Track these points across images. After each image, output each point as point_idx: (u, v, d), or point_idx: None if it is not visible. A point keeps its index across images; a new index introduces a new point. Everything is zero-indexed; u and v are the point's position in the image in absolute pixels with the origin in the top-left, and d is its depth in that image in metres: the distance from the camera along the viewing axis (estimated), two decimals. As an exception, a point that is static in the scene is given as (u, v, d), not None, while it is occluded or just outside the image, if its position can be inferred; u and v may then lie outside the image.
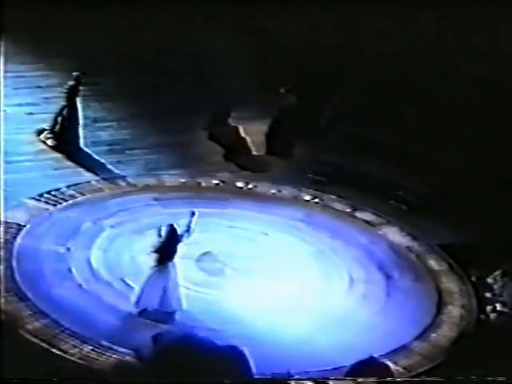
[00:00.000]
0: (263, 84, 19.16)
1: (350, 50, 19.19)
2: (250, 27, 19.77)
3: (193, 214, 12.52)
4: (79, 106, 18.29)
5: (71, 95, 17.94)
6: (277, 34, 19.76)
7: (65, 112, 17.82)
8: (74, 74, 17.96)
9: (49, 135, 17.56)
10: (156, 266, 12.23)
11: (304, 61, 19.45)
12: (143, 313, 12.28)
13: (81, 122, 18.12)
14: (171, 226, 12.32)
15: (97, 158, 17.76)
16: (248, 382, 8.67)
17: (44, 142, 17.49)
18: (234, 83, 19.22)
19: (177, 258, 12.32)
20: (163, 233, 12.27)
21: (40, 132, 17.64)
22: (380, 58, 19.01)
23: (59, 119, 17.77)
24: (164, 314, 12.26)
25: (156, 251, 12.24)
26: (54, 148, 17.40)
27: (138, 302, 12.27)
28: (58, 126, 17.74)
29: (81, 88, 18.16)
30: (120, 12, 18.94)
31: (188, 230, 12.41)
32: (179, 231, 12.31)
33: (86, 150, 17.90)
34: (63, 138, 17.65)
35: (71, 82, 17.97)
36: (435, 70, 18.49)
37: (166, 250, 12.23)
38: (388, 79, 18.82)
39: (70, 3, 18.47)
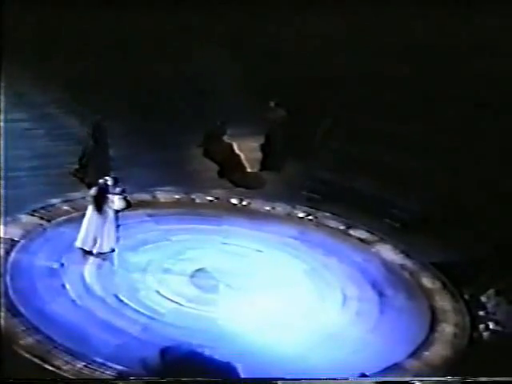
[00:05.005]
0: (258, 100, 19.20)
1: (346, 67, 19.27)
2: (245, 43, 19.86)
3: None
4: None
5: (97, 134, 17.75)
6: (272, 49, 19.84)
7: (91, 148, 17.70)
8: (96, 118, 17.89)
9: (78, 168, 17.67)
10: (94, 212, 14.34)
11: (299, 77, 19.51)
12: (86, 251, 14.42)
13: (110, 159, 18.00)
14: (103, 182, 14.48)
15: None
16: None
17: (76, 176, 17.60)
18: (228, 100, 19.27)
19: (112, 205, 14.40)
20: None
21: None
22: (375, 75, 19.09)
23: (86, 155, 17.70)
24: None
25: (93, 198, 14.33)
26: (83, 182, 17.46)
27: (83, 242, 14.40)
28: (84, 160, 17.71)
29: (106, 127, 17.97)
30: (115, 30, 19.03)
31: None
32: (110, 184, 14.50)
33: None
34: (90, 174, 17.59)
35: (96, 121, 17.80)
36: (429, 88, 18.58)
37: (100, 199, 14.32)
38: (383, 97, 18.89)
39: (67, 21, 18.55)
